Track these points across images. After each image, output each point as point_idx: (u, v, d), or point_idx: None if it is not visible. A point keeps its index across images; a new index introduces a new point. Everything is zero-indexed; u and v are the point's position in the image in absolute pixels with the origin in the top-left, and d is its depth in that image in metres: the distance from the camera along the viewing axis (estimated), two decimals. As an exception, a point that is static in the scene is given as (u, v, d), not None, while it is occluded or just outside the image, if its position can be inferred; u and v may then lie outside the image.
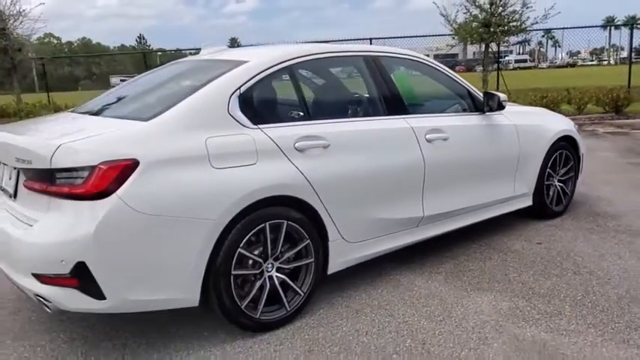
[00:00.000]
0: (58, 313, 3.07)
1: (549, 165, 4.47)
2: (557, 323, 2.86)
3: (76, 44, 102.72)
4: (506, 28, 12.74)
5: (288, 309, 2.89)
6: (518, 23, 12.80)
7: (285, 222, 2.81)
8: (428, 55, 4.22)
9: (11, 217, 2.70)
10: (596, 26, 27.23)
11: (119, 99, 3.33)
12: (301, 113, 3.12)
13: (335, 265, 3.12)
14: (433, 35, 14.78)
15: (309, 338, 2.79)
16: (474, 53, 47.16)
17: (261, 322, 2.81)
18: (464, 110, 3.99)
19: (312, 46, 3.35)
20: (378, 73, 3.45)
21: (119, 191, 2.35)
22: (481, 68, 14.26)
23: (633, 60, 16.06)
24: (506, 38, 13.28)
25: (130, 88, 3.57)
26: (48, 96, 14.74)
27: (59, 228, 2.36)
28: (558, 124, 4.62)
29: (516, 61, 62.21)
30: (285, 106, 3.22)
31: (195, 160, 2.56)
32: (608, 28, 65.28)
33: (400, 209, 3.39)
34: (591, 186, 5.61)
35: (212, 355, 2.65)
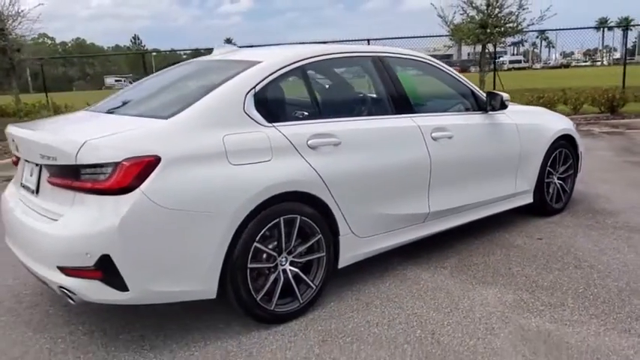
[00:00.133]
0: (75, 307, 3.17)
1: (549, 163, 4.58)
2: (561, 314, 2.96)
3: (70, 45, 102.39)
4: (502, 29, 12.91)
5: (301, 301, 2.99)
6: (515, 24, 12.97)
7: (299, 217, 2.91)
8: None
9: (33, 212, 2.78)
10: (590, 27, 27.45)
11: (135, 98, 3.41)
12: (313, 112, 3.21)
13: (345, 259, 3.22)
14: (430, 36, 14.91)
15: (321, 329, 2.88)
16: (469, 54, 47.41)
17: (275, 314, 2.90)
18: (467, 109, 4.09)
19: (322, 47, 3.45)
20: (386, 73, 3.55)
21: (142, 186, 2.43)
22: (475, 69, 14.42)
23: (627, 60, 16.25)
24: (503, 39, 13.44)
25: (143, 88, 3.65)
26: (46, 96, 14.76)
27: (84, 222, 2.45)
28: (558, 124, 4.73)
29: (510, 62, 62.53)
30: (297, 104, 3.32)
31: (213, 157, 2.65)
32: (602, 29, 65.78)
33: (407, 205, 3.49)
34: (589, 184, 5.74)
35: (229, 346, 2.74)
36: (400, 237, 3.51)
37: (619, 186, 5.76)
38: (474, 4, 12.99)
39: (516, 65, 62.25)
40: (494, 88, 13.67)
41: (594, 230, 4.34)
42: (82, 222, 2.46)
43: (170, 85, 3.45)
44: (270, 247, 2.87)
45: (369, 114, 3.54)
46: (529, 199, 4.51)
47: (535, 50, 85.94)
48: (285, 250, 2.92)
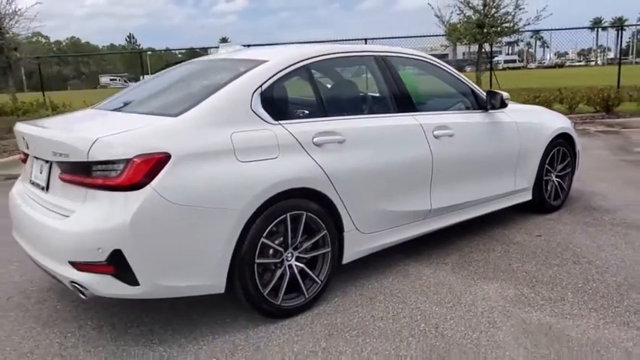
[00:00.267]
0: (83, 302, 3.22)
1: (547, 161, 4.65)
2: (561, 308, 3.03)
3: (64, 43, 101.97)
4: (499, 29, 13.00)
5: (307, 296, 3.04)
6: (511, 24, 13.07)
7: (305, 213, 2.96)
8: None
9: (43, 208, 2.82)
10: (584, 27, 27.65)
11: (141, 96, 3.46)
12: (318, 110, 3.27)
13: (349, 255, 3.27)
14: (427, 36, 14.99)
15: (327, 323, 2.93)
16: (464, 54, 47.61)
17: (282, 309, 2.95)
18: (467, 108, 4.15)
19: (327, 46, 3.50)
20: (388, 72, 3.61)
21: (153, 183, 2.48)
22: (470, 68, 14.51)
23: (621, 60, 16.38)
24: (500, 39, 13.54)
25: (149, 86, 3.69)
26: (43, 95, 14.75)
27: (96, 218, 2.49)
28: (556, 122, 4.81)
29: (505, 62, 62.80)
30: (302, 103, 3.37)
31: (221, 154, 2.70)
32: (596, 29, 66.11)
33: (409, 202, 3.55)
34: (586, 182, 5.81)
35: (236, 340, 2.79)
36: (403, 233, 3.57)
37: (615, 184, 5.84)
38: (470, 4, 13.09)
39: (511, 65, 62.54)
40: (490, 87, 13.77)
41: (592, 227, 4.41)
42: (94, 218, 2.50)
43: (176, 84, 3.50)
44: (277, 242, 2.92)
45: (373, 112, 3.60)
46: (528, 197, 4.57)
47: (530, 50, 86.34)
48: (291, 246, 2.97)
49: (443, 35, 14.38)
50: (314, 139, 3.02)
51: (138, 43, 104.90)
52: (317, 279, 3.08)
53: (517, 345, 2.65)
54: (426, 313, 3.02)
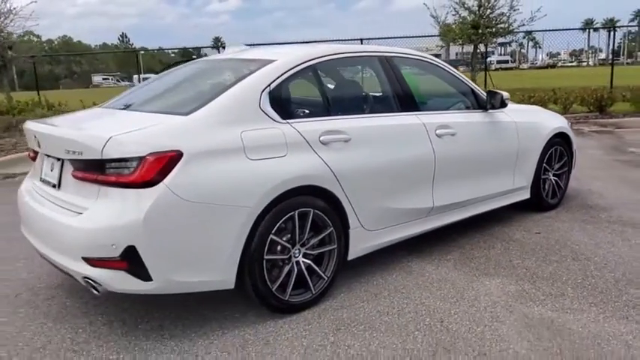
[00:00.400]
0: (92, 298, 3.27)
1: (545, 160, 4.74)
2: (562, 303, 3.11)
3: (56, 42, 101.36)
4: (494, 29, 13.12)
5: (314, 292, 3.10)
6: (506, 25, 13.20)
7: (312, 210, 3.02)
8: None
9: (55, 205, 2.86)
10: (576, 29, 27.86)
11: (149, 96, 3.50)
12: (324, 109, 3.33)
13: (355, 251, 3.33)
14: (423, 36, 15.09)
15: (334, 318, 2.99)
16: (457, 54, 47.84)
17: (289, 304, 3.01)
18: (467, 108, 4.23)
19: (332, 47, 3.57)
20: (392, 72, 3.68)
21: (166, 180, 2.53)
22: (463, 68, 14.61)
23: (612, 61, 16.55)
24: (494, 39, 13.66)
25: (156, 86, 3.73)
26: (38, 94, 14.71)
27: (110, 214, 2.54)
28: (554, 122, 4.89)
29: (498, 62, 62.98)
30: (309, 102, 3.43)
31: (232, 152, 2.75)
32: (587, 30, 66.56)
33: (413, 200, 3.62)
34: (582, 181, 5.91)
35: (246, 335, 2.84)
36: (406, 230, 3.64)
37: (610, 183, 5.94)
38: (465, 5, 13.21)
39: (504, 65, 62.75)
40: (485, 88, 13.89)
41: (589, 225, 4.50)
42: (107, 214, 2.55)
43: (183, 83, 3.55)
44: (285, 239, 2.98)
45: (377, 111, 3.67)
46: (526, 195, 4.66)
47: (522, 50, 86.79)
48: (298, 243, 3.03)
49: (437, 36, 14.49)
50: (321, 138, 3.08)
51: (131, 43, 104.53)
52: (323, 275, 3.14)
53: (520, 338, 2.73)
54: (430, 308, 3.09)
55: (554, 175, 4.91)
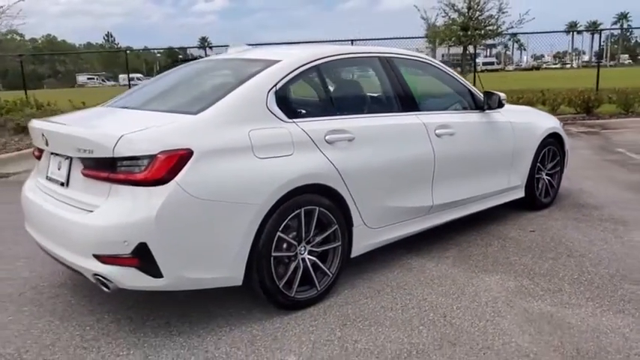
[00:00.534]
0: (97, 296, 3.29)
1: (539, 159, 4.84)
2: (560, 298, 3.19)
3: (40, 41, 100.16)
4: (483, 31, 13.29)
5: (319, 289, 3.15)
6: (495, 27, 13.37)
7: (318, 208, 3.07)
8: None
9: (63, 204, 2.88)
10: (560, 31, 28.19)
11: (155, 95, 3.52)
12: (328, 109, 3.39)
13: (358, 249, 3.39)
14: (412, 37, 15.21)
15: (340, 314, 3.05)
16: (443, 55, 48.18)
17: (295, 300, 3.06)
18: (464, 108, 4.31)
19: (335, 47, 3.62)
20: (393, 73, 3.75)
21: (177, 178, 2.56)
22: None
23: (594, 63, 16.82)
24: (483, 41, 13.84)
25: (159, 85, 3.76)
26: (25, 93, 14.58)
27: (122, 212, 2.56)
28: (547, 122, 5.00)
29: (484, 64, 63.51)
30: (314, 101, 3.48)
31: (240, 151, 2.79)
32: (571, 33, 67.49)
33: (413, 198, 3.68)
34: (573, 180, 6.03)
35: (253, 331, 2.88)
36: (407, 228, 3.71)
37: (600, 182, 6.08)
38: (455, 7, 13.37)
39: (489, 67, 63.31)
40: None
41: (582, 223, 4.60)
42: (119, 212, 2.57)
43: (188, 83, 3.58)
44: (291, 236, 3.02)
45: (379, 111, 3.73)
46: (521, 194, 4.75)
47: (507, 52, 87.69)
48: (304, 240, 3.08)
49: (423, 37, 14.63)
50: (326, 137, 3.13)
51: (116, 42, 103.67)
52: (328, 272, 3.19)
53: (522, 332, 2.80)
54: (433, 303, 3.16)
55: (547, 174, 5.01)
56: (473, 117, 4.22)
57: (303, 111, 3.27)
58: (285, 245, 3.00)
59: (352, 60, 3.77)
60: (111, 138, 2.57)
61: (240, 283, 2.86)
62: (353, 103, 3.70)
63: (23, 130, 10.25)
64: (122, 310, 3.15)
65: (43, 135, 3.01)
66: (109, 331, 2.91)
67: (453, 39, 13.35)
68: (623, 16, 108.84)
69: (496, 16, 13.27)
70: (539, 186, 4.94)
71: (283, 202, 2.90)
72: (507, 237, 4.30)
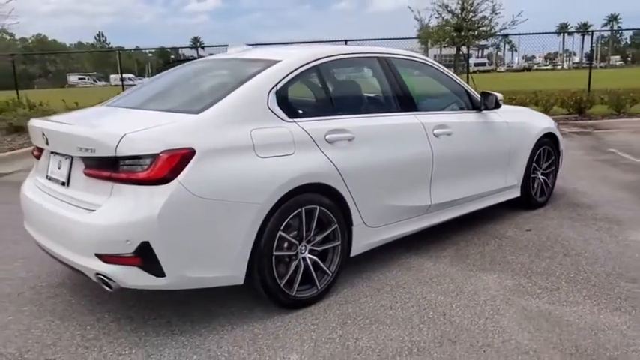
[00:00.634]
0: (97, 296, 3.29)
1: (535, 159, 4.88)
2: (557, 296, 3.23)
3: (30, 41, 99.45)
4: (476, 32, 13.37)
5: (319, 287, 3.16)
6: (488, 28, 13.46)
7: (318, 207, 3.08)
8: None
9: (64, 203, 2.87)
10: (551, 33, 28.46)
11: (155, 94, 3.53)
12: (328, 108, 3.41)
13: (357, 248, 3.41)
14: (407, 38, 15.29)
15: (340, 313, 3.07)
16: (435, 56, 48.39)
17: (296, 299, 3.07)
18: (461, 108, 4.34)
19: (335, 48, 3.64)
20: (391, 73, 3.77)
21: (179, 177, 2.57)
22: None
23: (585, 64, 16.98)
24: (477, 42, 13.92)
25: (159, 85, 3.75)
26: (17, 93, 14.49)
27: (124, 211, 2.57)
28: (542, 122, 5.05)
29: (475, 65, 63.77)
30: (314, 101, 3.50)
31: (242, 150, 2.80)
32: (562, 34, 68.02)
33: (412, 197, 3.71)
34: (567, 180, 6.09)
35: (255, 329, 2.90)
36: (405, 227, 3.73)
37: (593, 182, 6.14)
38: (449, 8, 13.45)
39: (481, 68, 63.62)
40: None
41: (577, 222, 4.65)
42: (121, 211, 2.57)
43: (189, 82, 3.59)
44: (291, 235, 3.04)
45: (378, 111, 3.74)
46: (517, 194, 4.80)
47: (499, 53, 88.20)
48: (305, 239, 3.09)
49: (418, 38, 14.70)
50: (326, 137, 3.15)
51: (107, 42, 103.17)
52: (328, 271, 3.21)
53: (521, 329, 2.84)
54: (432, 302, 3.18)
55: (542, 174, 5.06)
56: (470, 117, 4.26)
57: (304, 111, 3.28)
58: (285, 244, 3.02)
59: (352, 60, 3.80)
60: (113, 137, 2.57)
61: (241, 282, 2.88)
62: (352, 103, 3.73)
63: (16, 130, 10.20)
64: (122, 309, 3.15)
65: (43, 134, 3.00)
66: (109, 331, 2.91)
67: (446, 40, 13.44)
68: (613, 18, 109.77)
69: (489, 17, 13.40)
70: (535, 185, 4.99)
71: (284, 201, 2.91)
72: (504, 236, 4.34)
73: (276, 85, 3.08)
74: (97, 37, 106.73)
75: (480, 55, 74.86)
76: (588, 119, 11.59)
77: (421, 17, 13.70)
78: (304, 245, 3.10)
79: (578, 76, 17.04)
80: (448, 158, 3.92)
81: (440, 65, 4.27)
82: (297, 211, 2.99)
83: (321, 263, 3.18)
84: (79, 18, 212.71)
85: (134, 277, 2.62)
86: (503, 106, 4.84)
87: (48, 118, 3.27)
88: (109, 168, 2.61)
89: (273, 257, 2.92)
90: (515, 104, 11.17)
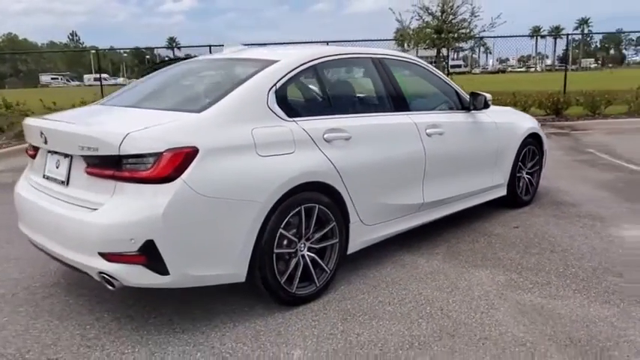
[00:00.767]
0: (94, 296, 3.28)
1: (520, 159, 5.01)
2: (549, 291, 3.33)
3: (0, 40, 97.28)
4: (456, 35, 13.58)
5: (318, 285, 3.20)
6: (468, 31, 13.68)
7: (317, 206, 3.12)
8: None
9: (64, 202, 2.85)
10: (525, 36, 28.96)
11: (151, 93, 3.52)
12: (325, 108, 3.45)
13: (354, 245, 3.46)
14: (384, 40, 15.42)
15: (339, 309, 3.11)
16: (413, 58, 48.67)
17: (296, 296, 3.11)
18: (450, 108, 4.43)
19: (331, 48, 3.71)
20: (385, 73, 3.84)
21: (183, 175, 2.58)
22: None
23: (557, 67, 17.35)
24: (457, 44, 14.13)
25: (153, 84, 3.74)
26: (-7, 93, 14.16)
27: (128, 210, 2.57)
28: (527, 123, 5.19)
29: (452, 67, 64.46)
30: (311, 101, 3.54)
31: (244, 149, 2.83)
32: (535, 37, 69.37)
33: (405, 195, 3.78)
34: (549, 179, 6.24)
35: (257, 326, 2.92)
36: (399, 225, 3.80)
37: (574, 181, 6.31)
38: (429, 11, 13.63)
39: (457, 70, 64.37)
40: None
41: (561, 219, 4.79)
42: (125, 210, 2.57)
43: (186, 81, 3.59)
44: (291, 233, 3.07)
45: (373, 111, 3.80)
46: (503, 192, 4.91)
47: (474, 56, 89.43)
48: (304, 237, 3.13)
49: (395, 40, 14.85)
50: (325, 136, 3.20)
51: (81, 42, 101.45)
52: (326, 268, 3.25)
53: (516, 323, 2.92)
54: (428, 297, 3.25)
55: (527, 173, 5.19)
56: (460, 117, 4.35)
57: (302, 110, 3.33)
58: (285, 242, 3.05)
59: (347, 60, 3.85)
60: (117, 136, 2.57)
61: (243, 279, 2.90)
62: (349, 102, 3.78)
63: (-6, 130, 9.99)
64: (121, 308, 3.14)
65: (42, 133, 2.97)
66: (110, 330, 2.90)
67: (427, 41, 13.63)
68: (584, 22, 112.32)
69: (469, 20, 13.63)
70: (521, 184, 5.11)
71: (285, 199, 2.94)
72: (492, 233, 4.44)
73: (275, 84, 3.12)
74: (71, 37, 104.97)
75: (455, 57, 75.86)
76: (565, 120, 11.87)
77: (402, 19, 13.88)
78: (303, 243, 3.14)
79: (552, 78, 17.35)
80: (440, 157, 4.00)
81: (430, 66, 4.36)
82: (297, 209, 3.02)
83: (319, 261, 3.22)
84: (51, 17, 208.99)
85: (138, 276, 2.62)
86: (491, 107, 4.95)
87: (45, 117, 3.24)
88: (111, 166, 2.61)
89: (274, 255, 2.95)
90: (494, 105, 11.39)
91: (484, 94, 4.46)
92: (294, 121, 3.11)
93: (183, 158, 2.60)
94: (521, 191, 5.12)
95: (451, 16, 13.62)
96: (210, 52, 14.45)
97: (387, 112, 3.77)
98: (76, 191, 2.82)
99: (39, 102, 12.39)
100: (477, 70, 72.35)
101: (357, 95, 4.01)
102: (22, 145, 9.88)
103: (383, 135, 3.59)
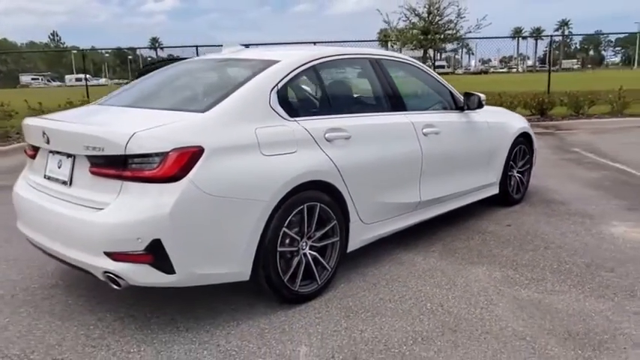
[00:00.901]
0: (95, 296, 3.28)
1: (512, 158, 5.10)
2: (544, 286, 3.40)
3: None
4: (442, 36, 13.72)
5: (319, 282, 3.24)
6: (454, 32, 13.83)
7: (319, 204, 3.16)
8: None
9: (67, 202, 2.85)
10: (507, 37, 29.28)
11: (152, 93, 3.53)
12: (325, 108, 3.48)
13: (354, 243, 3.50)
14: (370, 40, 15.53)
15: (341, 307, 3.15)
16: (399, 58, 48.93)
17: (298, 294, 3.14)
18: (444, 108, 4.50)
19: (331, 49, 3.73)
20: (382, 74, 3.89)
21: (190, 174, 2.60)
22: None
23: (538, 68, 17.60)
24: (443, 45, 14.28)
25: (153, 84, 3.74)
26: (-26, 93, 13.93)
27: (135, 209, 2.57)
28: (518, 122, 5.28)
29: (435, 67, 65.13)
30: (312, 101, 3.57)
31: (248, 148, 2.85)
32: (517, 38, 70.24)
33: (403, 194, 3.83)
34: (538, 178, 6.35)
35: (261, 324, 2.94)
36: (397, 224, 3.85)
37: (562, 180, 6.44)
38: (416, 12, 13.75)
39: (440, 70, 64.93)
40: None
41: (552, 217, 4.88)
42: (131, 209, 2.58)
43: (187, 82, 3.60)
44: (294, 232, 3.10)
45: (371, 111, 3.85)
46: (496, 191, 4.99)
47: (456, 56, 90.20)
48: (305, 235, 3.16)
49: (380, 40, 14.97)
50: (325, 135, 3.23)
51: (62, 42, 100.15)
52: (327, 266, 3.29)
53: (515, 317, 2.99)
54: (428, 294, 3.30)
55: (518, 171, 5.28)
56: (454, 117, 4.42)
57: (303, 110, 3.36)
58: (288, 240, 3.07)
59: (346, 61, 3.89)
60: (123, 136, 2.58)
61: (247, 278, 2.92)
62: (348, 102, 3.82)
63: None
64: (123, 308, 3.14)
65: (44, 133, 2.96)
66: (114, 330, 2.90)
67: (414, 42, 13.75)
68: (564, 23, 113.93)
69: (455, 21, 13.78)
70: (512, 183, 5.20)
71: (288, 198, 2.97)
72: (486, 231, 4.52)
73: (277, 84, 3.14)
74: (51, 37, 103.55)
75: (439, 57, 76.48)
76: (550, 120, 12.05)
77: (389, 20, 13.97)
78: (305, 241, 3.17)
79: (533, 79, 17.57)
80: (436, 156, 4.06)
81: (425, 67, 4.42)
82: (299, 208, 3.05)
83: (321, 259, 3.25)
84: (31, 17, 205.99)
85: (144, 275, 2.63)
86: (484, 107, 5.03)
87: (46, 116, 3.23)
88: (117, 166, 2.62)
89: (278, 253, 2.98)
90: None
91: (478, 94, 4.54)
92: (295, 120, 3.14)
93: (189, 158, 2.62)
94: (512, 190, 5.21)
95: (437, 18, 13.78)
96: (197, 53, 14.40)
97: (385, 112, 3.82)
98: (80, 191, 2.82)
99: (23, 102, 12.21)
100: (459, 71, 73.04)
101: (356, 95, 4.06)
102: (5, 147, 9.77)
103: (382, 134, 3.64)
